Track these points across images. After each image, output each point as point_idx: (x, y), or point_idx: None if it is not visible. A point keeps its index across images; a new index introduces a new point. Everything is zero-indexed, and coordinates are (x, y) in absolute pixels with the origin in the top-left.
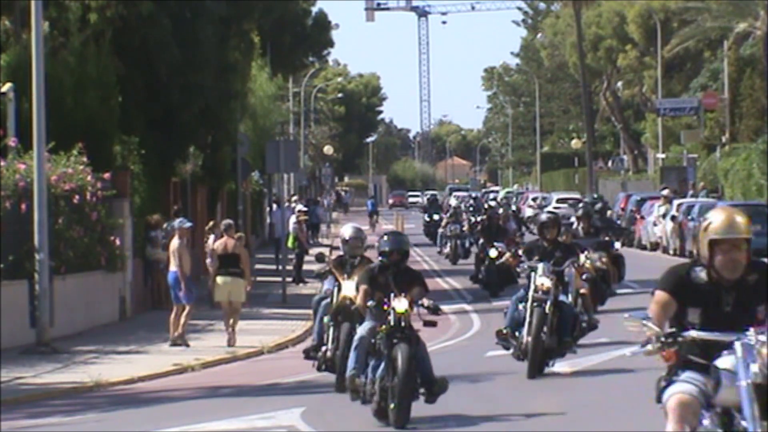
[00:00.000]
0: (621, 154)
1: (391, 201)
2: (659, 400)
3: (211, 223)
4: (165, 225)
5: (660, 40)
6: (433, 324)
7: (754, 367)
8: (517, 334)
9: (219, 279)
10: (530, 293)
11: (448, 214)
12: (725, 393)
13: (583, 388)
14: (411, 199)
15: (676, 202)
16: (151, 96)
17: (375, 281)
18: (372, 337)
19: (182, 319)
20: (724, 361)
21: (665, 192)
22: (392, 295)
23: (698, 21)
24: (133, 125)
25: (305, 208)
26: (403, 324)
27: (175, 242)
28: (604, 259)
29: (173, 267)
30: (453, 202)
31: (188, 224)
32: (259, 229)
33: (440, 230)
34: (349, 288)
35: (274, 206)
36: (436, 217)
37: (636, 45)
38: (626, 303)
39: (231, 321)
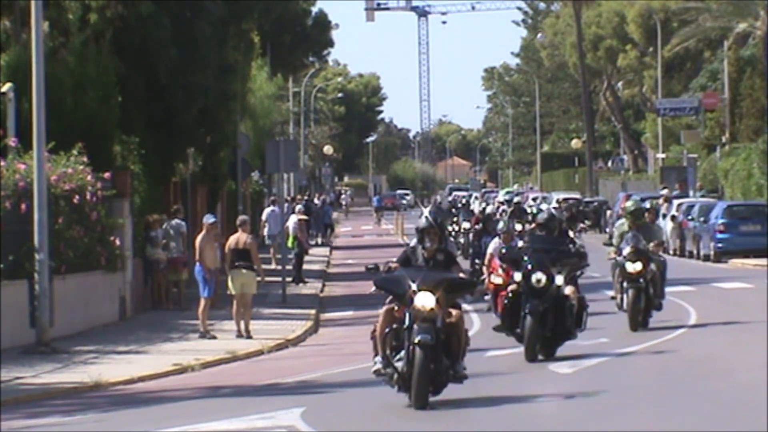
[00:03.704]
0: (621, 154)
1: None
2: None
3: None
4: (164, 225)
5: (660, 40)
6: None
7: None
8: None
9: (233, 272)
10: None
11: (478, 224)
12: None
13: (584, 387)
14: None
15: (676, 202)
16: (151, 96)
17: None
18: None
19: (201, 314)
20: None
21: (664, 192)
22: None
23: (698, 21)
24: (133, 125)
25: (304, 208)
26: None
27: (199, 237)
28: None
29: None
30: (488, 207)
31: (212, 220)
32: (259, 229)
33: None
34: None
35: (271, 207)
36: (467, 225)
37: (636, 45)
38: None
39: (244, 316)
